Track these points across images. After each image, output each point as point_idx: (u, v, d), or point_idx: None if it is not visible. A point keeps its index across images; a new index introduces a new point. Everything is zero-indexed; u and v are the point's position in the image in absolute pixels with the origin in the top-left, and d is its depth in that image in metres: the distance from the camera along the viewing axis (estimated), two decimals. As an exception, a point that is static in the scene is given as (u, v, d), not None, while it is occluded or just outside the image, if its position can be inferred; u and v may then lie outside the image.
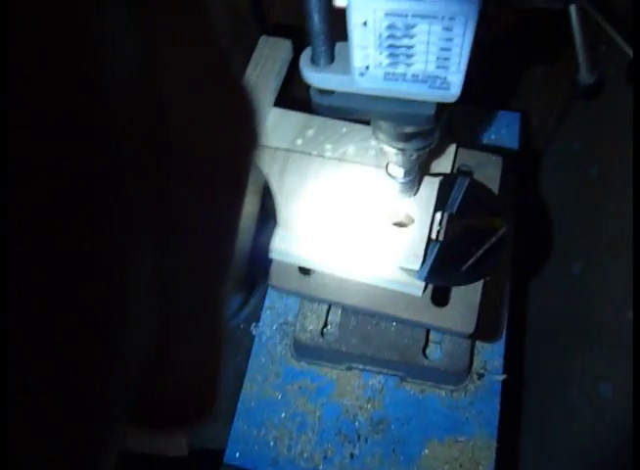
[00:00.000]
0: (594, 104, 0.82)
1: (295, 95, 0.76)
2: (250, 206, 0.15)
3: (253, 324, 0.87)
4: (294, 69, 0.69)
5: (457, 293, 0.58)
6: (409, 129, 0.42)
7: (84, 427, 0.11)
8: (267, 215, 0.23)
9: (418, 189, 0.56)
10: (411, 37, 0.33)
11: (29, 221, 0.09)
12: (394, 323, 0.74)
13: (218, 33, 0.13)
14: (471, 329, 0.56)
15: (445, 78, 0.35)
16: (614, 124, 0.76)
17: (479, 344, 0.80)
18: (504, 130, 0.92)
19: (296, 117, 0.66)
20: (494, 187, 0.62)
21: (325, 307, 0.79)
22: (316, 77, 0.38)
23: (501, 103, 0.95)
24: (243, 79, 0.14)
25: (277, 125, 0.65)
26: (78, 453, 0.11)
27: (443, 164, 0.62)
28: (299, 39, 0.70)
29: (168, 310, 0.13)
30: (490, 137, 0.92)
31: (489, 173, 0.63)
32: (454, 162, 0.62)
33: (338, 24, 0.36)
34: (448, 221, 0.58)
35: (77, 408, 0.11)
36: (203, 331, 0.15)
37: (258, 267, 0.23)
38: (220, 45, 0.14)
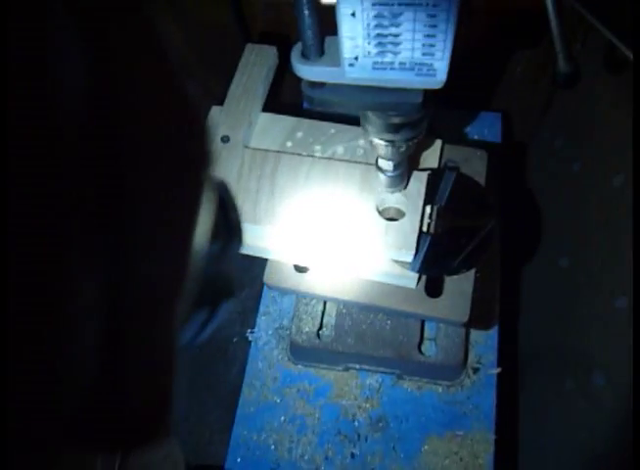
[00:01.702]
0: (573, 99, 0.84)
1: (282, 100, 0.77)
2: (204, 225, 0.16)
3: (249, 330, 0.88)
4: (280, 74, 0.71)
5: (450, 283, 0.59)
6: (397, 120, 0.44)
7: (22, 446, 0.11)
8: (231, 232, 0.24)
9: (407, 183, 0.58)
10: (397, 26, 0.34)
11: None
12: (389, 321, 0.75)
13: (170, 57, 0.14)
14: (465, 318, 0.58)
15: (431, 65, 0.36)
16: (593, 117, 0.78)
17: (472, 338, 0.81)
18: (487, 131, 0.94)
19: (284, 121, 0.67)
20: (481, 180, 0.64)
21: (320, 309, 0.80)
22: (307, 70, 0.39)
23: (483, 103, 0.98)
24: (195, 101, 0.15)
25: (266, 129, 0.67)
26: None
27: (430, 159, 0.63)
28: (284, 47, 0.72)
29: (116, 329, 0.13)
30: (474, 138, 0.94)
31: (475, 167, 0.65)
32: (441, 157, 0.64)
33: (326, 20, 0.38)
34: (438, 214, 0.59)
35: (16, 424, 0.11)
36: (153, 350, 0.15)
37: (222, 284, 0.23)
38: (173, 72, 0.14)
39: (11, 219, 0.10)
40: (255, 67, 0.68)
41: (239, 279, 1.07)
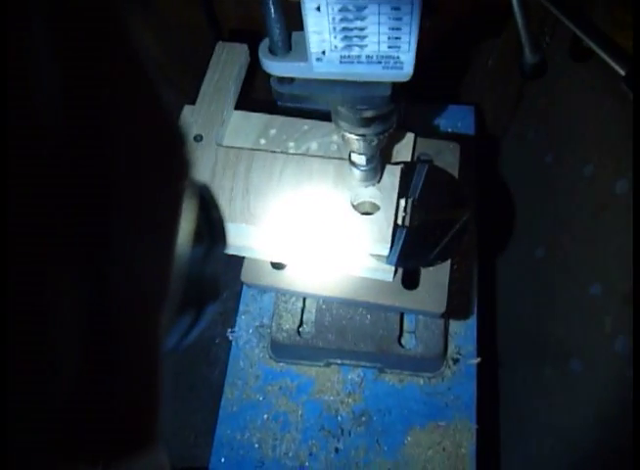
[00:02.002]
0: (544, 91, 0.85)
1: (255, 97, 0.77)
2: (186, 227, 0.16)
3: (229, 330, 0.88)
4: (252, 72, 0.71)
5: (426, 275, 0.60)
6: (368, 114, 0.44)
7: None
8: (215, 234, 0.24)
9: (381, 177, 0.58)
10: (363, 19, 0.35)
11: None
12: (369, 316, 0.76)
13: (146, 67, 0.14)
14: (442, 308, 0.58)
15: (398, 58, 0.37)
16: (563, 109, 0.79)
17: (452, 329, 0.82)
18: (460, 124, 0.95)
19: (257, 119, 0.67)
20: (454, 173, 0.65)
21: (299, 306, 0.80)
22: (275, 66, 0.40)
23: (455, 97, 0.98)
24: (171, 104, 0.15)
25: (239, 127, 0.67)
26: None
27: (403, 153, 0.64)
28: (255, 44, 0.72)
29: (101, 334, 0.13)
30: (447, 131, 0.95)
31: (448, 160, 0.66)
32: (414, 151, 0.65)
33: (293, 15, 0.38)
34: (413, 207, 0.60)
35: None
36: (139, 354, 0.15)
37: (207, 287, 0.23)
38: (148, 78, 0.14)
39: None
40: (226, 65, 0.68)
41: (220, 280, 1.06)
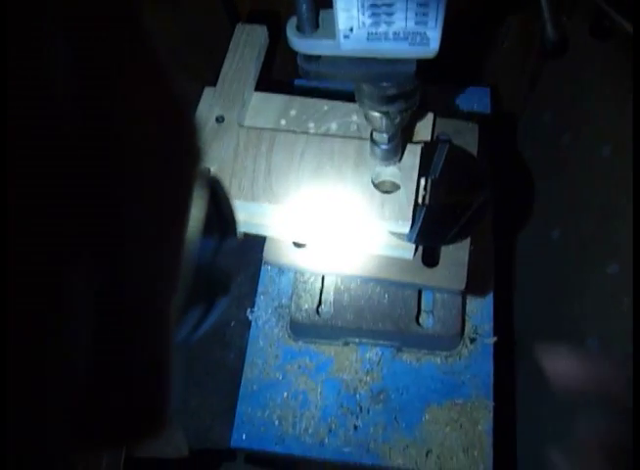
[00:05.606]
0: (561, 71, 0.85)
1: (274, 79, 0.78)
2: (196, 219, 0.16)
3: (249, 310, 0.89)
4: (271, 53, 0.71)
5: (446, 253, 0.61)
6: (392, 91, 0.45)
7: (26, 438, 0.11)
8: (225, 226, 0.23)
9: (402, 156, 0.59)
10: (391, -5, 0.35)
11: None
12: (386, 295, 0.77)
13: (159, 54, 0.14)
14: (462, 285, 0.59)
15: (425, 34, 0.37)
16: (580, 88, 0.79)
17: (468, 309, 0.83)
18: (476, 105, 0.95)
19: (277, 100, 0.68)
20: (472, 152, 0.65)
21: (318, 287, 0.81)
22: (303, 44, 0.40)
23: (471, 79, 0.98)
24: (184, 99, 0.15)
25: (260, 109, 0.67)
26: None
27: (423, 133, 0.64)
28: (273, 25, 0.73)
29: (111, 326, 0.13)
30: (463, 113, 0.95)
31: (467, 140, 0.66)
32: (433, 130, 0.65)
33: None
34: (432, 186, 0.61)
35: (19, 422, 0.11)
36: (147, 348, 0.15)
37: (219, 279, 0.23)
38: (162, 65, 0.14)
39: (8, 219, 0.10)
40: (247, 47, 0.69)
41: (235, 263, 1.07)
